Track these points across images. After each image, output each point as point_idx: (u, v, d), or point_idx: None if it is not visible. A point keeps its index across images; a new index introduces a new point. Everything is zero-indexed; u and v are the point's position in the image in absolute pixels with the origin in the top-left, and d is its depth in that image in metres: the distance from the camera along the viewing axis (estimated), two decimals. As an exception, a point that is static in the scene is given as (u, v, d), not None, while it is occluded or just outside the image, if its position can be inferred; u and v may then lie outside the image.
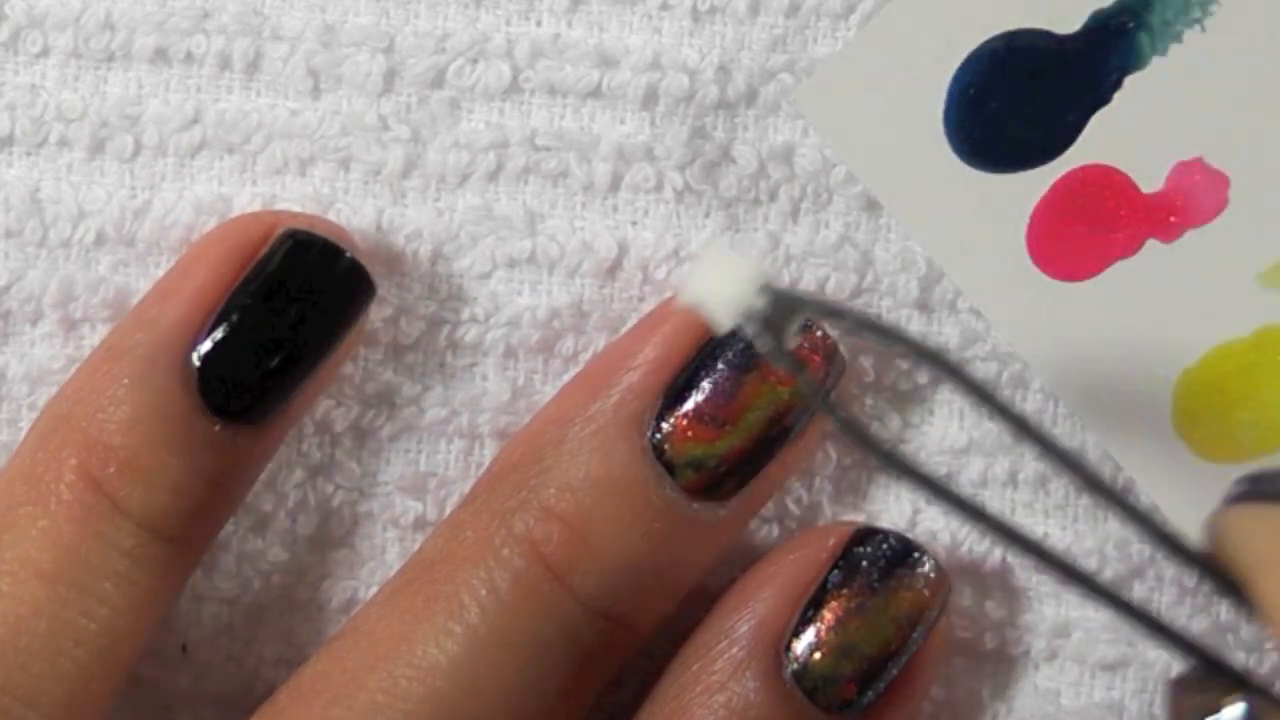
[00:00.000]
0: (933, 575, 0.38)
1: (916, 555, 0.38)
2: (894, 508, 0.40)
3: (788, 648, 0.37)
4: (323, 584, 0.40)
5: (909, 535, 0.38)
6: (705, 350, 0.37)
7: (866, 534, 0.38)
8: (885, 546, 0.38)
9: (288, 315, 0.37)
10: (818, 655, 0.37)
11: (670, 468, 0.37)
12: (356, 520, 0.40)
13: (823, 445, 0.39)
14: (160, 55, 0.39)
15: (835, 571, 0.37)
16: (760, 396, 0.37)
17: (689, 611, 0.39)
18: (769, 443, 0.37)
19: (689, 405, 0.37)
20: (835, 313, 0.35)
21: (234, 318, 0.37)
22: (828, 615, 0.37)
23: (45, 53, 0.39)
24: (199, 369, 0.37)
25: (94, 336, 0.39)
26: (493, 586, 0.36)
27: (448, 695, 0.35)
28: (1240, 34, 0.37)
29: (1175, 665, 0.39)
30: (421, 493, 0.40)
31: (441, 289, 0.39)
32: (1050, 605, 0.40)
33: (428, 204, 0.39)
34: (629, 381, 0.37)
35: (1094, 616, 0.40)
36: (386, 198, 0.39)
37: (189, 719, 0.40)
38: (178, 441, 0.36)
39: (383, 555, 0.40)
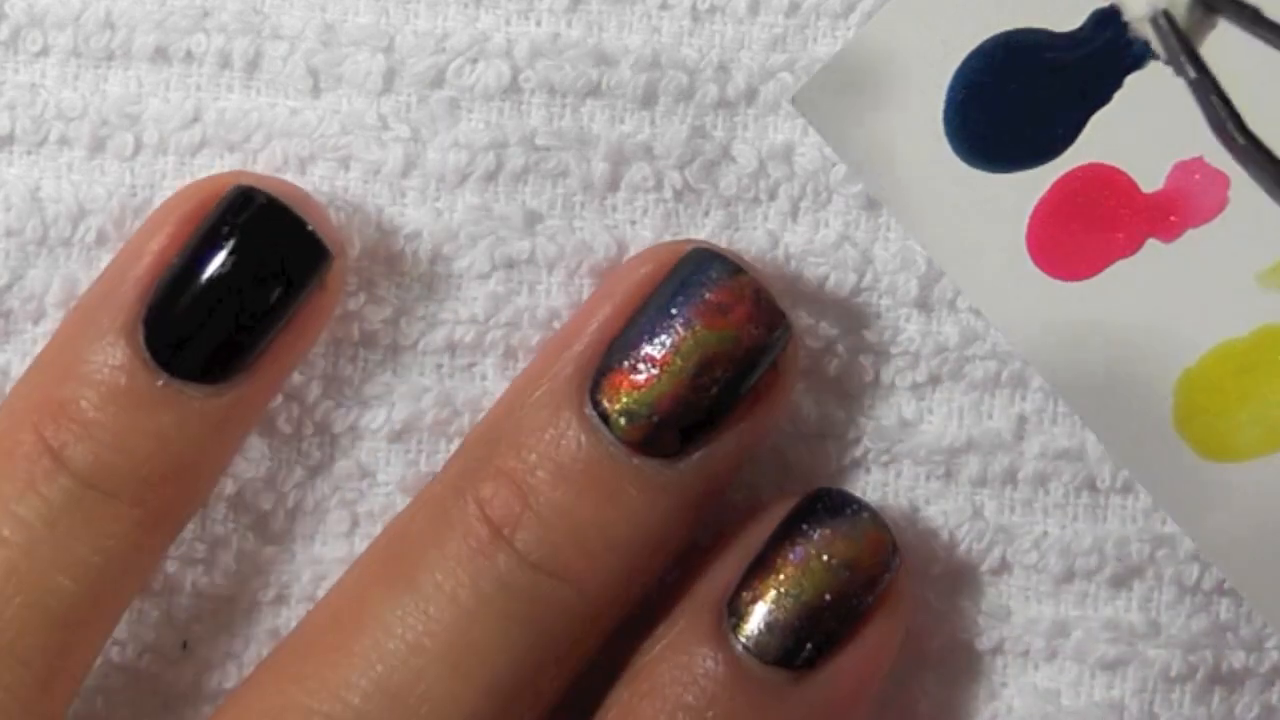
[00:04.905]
0: (871, 524, 0.38)
1: (854, 507, 0.38)
2: (892, 506, 0.40)
3: (731, 605, 0.37)
4: (322, 584, 0.40)
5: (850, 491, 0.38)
6: (643, 307, 0.37)
7: (814, 493, 0.38)
8: (827, 500, 0.38)
9: (230, 269, 0.37)
10: (755, 608, 0.37)
11: (605, 419, 0.37)
12: (356, 520, 0.40)
13: (821, 442, 0.39)
14: (160, 54, 0.39)
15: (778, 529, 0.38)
16: (686, 342, 0.37)
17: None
18: (703, 392, 0.37)
19: (622, 356, 0.37)
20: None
21: (175, 268, 0.37)
22: (766, 569, 0.37)
23: (45, 51, 0.39)
24: (144, 321, 0.37)
25: (94, 335, 0.39)
26: (441, 546, 0.37)
27: (395, 654, 0.36)
28: (1240, 33, 0.37)
29: (1175, 665, 0.39)
30: (421, 492, 0.40)
31: (441, 289, 0.39)
32: (1050, 605, 0.40)
33: (427, 204, 0.39)
34: (577, 349, 0.38)
35: (1094, 616, 0.40)
36: (386, 197, 0.39)
37: (189, 716, 0.40)
38: (123, 396, 0.37)
39: (382, 554, 0.40)
